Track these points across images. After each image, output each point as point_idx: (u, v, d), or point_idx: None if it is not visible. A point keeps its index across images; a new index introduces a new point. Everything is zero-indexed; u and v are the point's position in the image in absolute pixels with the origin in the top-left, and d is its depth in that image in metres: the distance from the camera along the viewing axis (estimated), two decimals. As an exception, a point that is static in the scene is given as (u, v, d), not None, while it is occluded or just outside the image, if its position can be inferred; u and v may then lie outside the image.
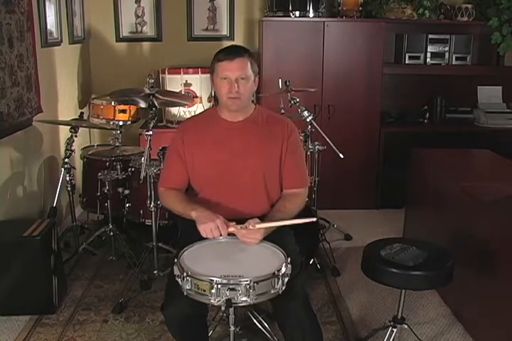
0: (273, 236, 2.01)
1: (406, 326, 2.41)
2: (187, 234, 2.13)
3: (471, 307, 2.64)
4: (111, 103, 3.69)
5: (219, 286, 1.68)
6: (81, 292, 3.04)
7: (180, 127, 2.31)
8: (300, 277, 2.02)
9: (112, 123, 3.72)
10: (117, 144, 3.66)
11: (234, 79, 2.06)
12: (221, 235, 1.94)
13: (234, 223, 1.98)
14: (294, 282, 1.88)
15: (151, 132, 2.84)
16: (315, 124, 3.31)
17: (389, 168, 4.41)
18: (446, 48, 4.45)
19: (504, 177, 2.95)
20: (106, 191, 3.32)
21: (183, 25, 4.57)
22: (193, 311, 1.93)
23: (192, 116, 2.44)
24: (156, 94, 3.00)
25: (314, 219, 1.97)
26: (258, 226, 1.95)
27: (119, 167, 3.40)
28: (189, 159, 2.19)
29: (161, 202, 2.33)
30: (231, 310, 1.84)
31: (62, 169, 3.23)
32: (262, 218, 2.08)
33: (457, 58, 4.48)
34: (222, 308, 1.78)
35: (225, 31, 4.61)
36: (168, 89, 4.17)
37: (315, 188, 3.57)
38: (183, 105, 3.65)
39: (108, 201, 3.34)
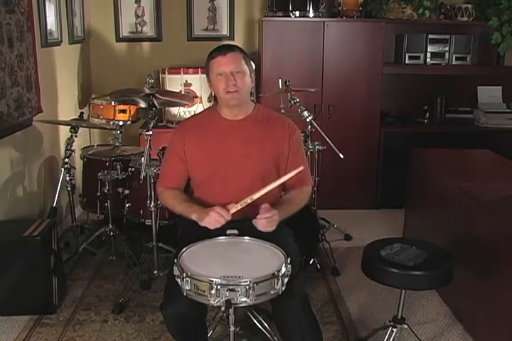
0: (272, 236, 2.01)
1: (406, 326, 2.41)
2: (187, 234, 2.14)
3: (471, 307, 2.64)
4: (111, 103, 3.69)
5: (219, 287, 1.68)
6: (81, 292, 3.04)
7: (180, 127, 2.30)
8: (299, 277, 2.02)
9: (112, 123, 3.72)
10: (117, 144, 3.66)
11: (229, 72, 2.05)
12: (226, 218, 1.96)
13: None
14: (293, 282, 1.88)
15: (151, 132, 2.84)
16: (315, 124, 3.31)
17: (389, 168, 4.41)
18: (446, 48, 4.45)
19: (504, 177, 2.96)
20: (106, 191, 3.32)
21: (183, 25, 4.57)
22: (192, 311, 1.92)
23: (191, 116, 2.43)
24: (156, 94, 3.00)
25: (297, 171, 1.98)
26: (255, 196, 1.97)
27: (119, 167, 3.40)
28: (190, 158, 2.19)
29: (161, 202, 2.35)
30: (231, 310, 1.83)
31: (62, 169, 3.23)
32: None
33: (457, 58, 4.47)
34: (222, 309, 1.78)
35: (225, 31, 4.61)
36: (168, 89, 4.17)
37: (315, 188, 3.57)
38: (183, 105, 3.65)
39: (108, 201, 3.34)
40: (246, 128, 2.18)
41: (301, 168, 1.98)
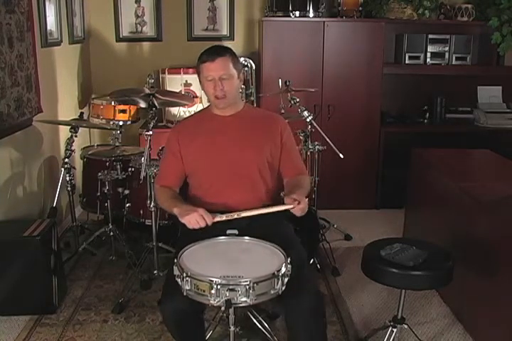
0: (273, 231, 2.04)
1: (406, 326, 2.41)
2: (187, 234, 2.14)
3: (471, 307, 2.64)
4: (111, 103, 3.69)
5: (219, 287, 1.68)
6: (81, 292, 3.04)
7: (175, 127, 2.41)
8: (307, 268, 2.05)
9: (112, 123, 3.72)
10: (117, 144, 3.66)
11: (218, 78, 2.15)
12: (207, 224, 1.96)
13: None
14: (303, 271, 1.92)
15: (151, 132, 2.84)
16: (315, 124, 3.31)
17: (389, 168, 4.41)
18: (446, 48, 4.45)
19: (504, 177, 2.96)
20: (106, 191, 3.32)
21: (183, 25, 4.57)
22: (190, 307, 1.91)
23: (186, 117, 2.52)
24: (156, 94, 3.00)
25: (291, 206, 1.96)
26: (243, 214, 1.99)
27: (119, 167, 3.40)
28: (185, 156, 2.26)
29: (155, 198, 2.40)
30: (231, 310, 1.83)
31: (62, 169, 3.23)
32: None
33: (457, 58, 4.48)
34: (222, 309, 1.78)
35: (225, 31, 4.61)
36: (168, 89, 4.17)
37: (315, 188, 3.57)
38: (183, 105, 3.65)
39: (108, 201, 3.34)
40: (238, 122, 2.26)
41: (291, 206, 1.97)
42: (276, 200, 2.30)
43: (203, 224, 1.96)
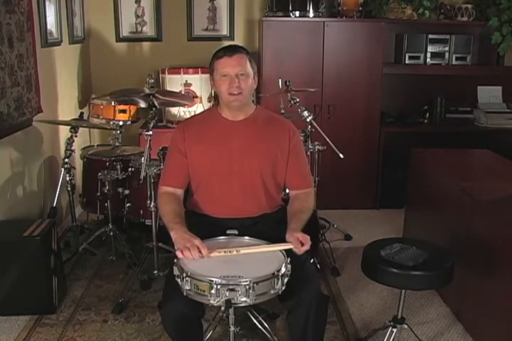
0: (275, 232, 2.02)
1: (406, 326, 2.41)
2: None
3: (471, 307, 2.64)
4: (111, 103, 3.69)
5: (218, 287, 1.68)
6: (81, 292, 3.04)
7: (181, 125, 2.31)
8: (309, 272, 2.04)
9: (112, 123, 3.72)
10: (117, 144, 3.66)
11: (234, 74, 2.07)
12: (202, 256, 1.84)
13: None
14: (303, 276, 1.90)
15: (151, 132, 2.83)
16: (315, 124, 3.31)
17: (389, 168, 4.41)
18: (446, 48, 4.45)
19: (504, 177, 2.95)
20: (106, 191, 3.32)
21: (183, 25, 4.57)
22: (190, 310, 1.91)
23: (192, 116, 2.45)
24: (156, 94, 3.00)
25: (291, 246, 1.91)
26: (242, 251, 1.90)
27: (119, 167, 3.40)
28: (189, 157, 2.19)
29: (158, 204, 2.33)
30: (231, 310, 1.83)
31: (62, 169, 3.23)
32: (261, 217, 2.17)
33: (457, 58, 4.48)
34: (222, 308, 1.78)
35: (225, 31, 4.61)
36: (168, 89, 4.18)
37: (315, 188, 3.56)
38: (183, 105, 3.65)
39: (108, 201, 3.34)
40: (246, 128, 2.18)
41: (291, 246, 1.91)
42: (276, 208, 2.30)
43: (195, 255, 1.84)
